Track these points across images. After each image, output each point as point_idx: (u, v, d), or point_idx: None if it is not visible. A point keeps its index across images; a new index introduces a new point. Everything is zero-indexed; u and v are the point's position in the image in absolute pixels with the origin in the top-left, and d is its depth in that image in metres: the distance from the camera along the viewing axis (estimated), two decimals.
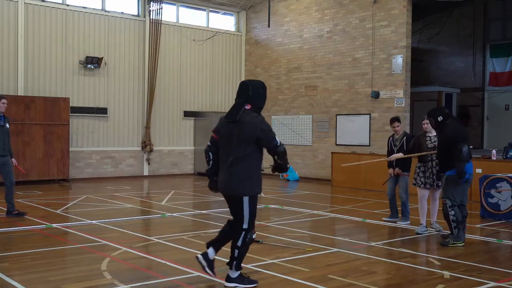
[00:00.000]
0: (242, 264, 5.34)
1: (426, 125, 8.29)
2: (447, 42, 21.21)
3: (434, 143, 8.17)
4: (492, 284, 5.53)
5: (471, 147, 8.24)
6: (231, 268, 5.26)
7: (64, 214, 9.92)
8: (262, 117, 5.26)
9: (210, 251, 5.32)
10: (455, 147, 7.24)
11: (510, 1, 19.20)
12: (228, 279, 5.29)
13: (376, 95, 15.36)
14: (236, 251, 5.21)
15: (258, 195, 5.29)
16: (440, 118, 7.56)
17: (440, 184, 8.15)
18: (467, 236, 7.81)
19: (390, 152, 9.31)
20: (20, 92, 15.13)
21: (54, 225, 8.61)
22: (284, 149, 5.21)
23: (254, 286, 5.31)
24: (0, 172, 9.32)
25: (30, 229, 8.30)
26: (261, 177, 5.30)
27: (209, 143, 5.41)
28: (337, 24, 16.61)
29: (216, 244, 5.37)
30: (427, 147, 8.22)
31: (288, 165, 5.27)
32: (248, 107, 5.25)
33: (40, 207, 10.10)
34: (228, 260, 5.34)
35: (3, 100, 9.22)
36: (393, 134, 9.40)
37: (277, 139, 5.16)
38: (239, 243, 5.20)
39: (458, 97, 20.74)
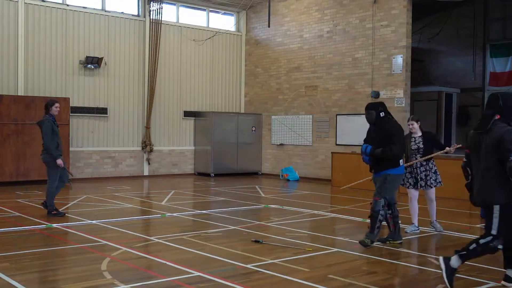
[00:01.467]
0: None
1: (411, 126, 8.32)
2: (447, 42, 21.18)
3: (418, 144, 8.21)
4: (492, 284, 5.53)
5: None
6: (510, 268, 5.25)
7: None
8: (510, 128, 5.15)
9: (454, 258, 5.29)
10: (390, 146, 7.07)
11: (510, 1, 19.19)
12: (508, 279, 5.30)
13: (376, 95, 15.36)
14: (478, 248, 5.19)
15: None
16: (382, 114, 7.25)
17: (430, 184, 8.17)
18: (468, 236, 7.81)
19: None
20: (20, 92, 15.13)
21: (54, 225, 8.61)
22: None
23: None
24: (53, 172, 9.56)
25: (30, 229, 8.30)
26: None
27: (465, 159, 5.53)
28: (337, 24, 16.61)
29: (463, 254, 5.34)
30: (410, 148, 8.22)
31: None
32: (497, 117, 5.25)
33: (40, 207, 10.08)
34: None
35: (56, 105, 9.58)
36: None
37: None
38: (481, 241, 5.19)
39: (458, 97, 20.73)
